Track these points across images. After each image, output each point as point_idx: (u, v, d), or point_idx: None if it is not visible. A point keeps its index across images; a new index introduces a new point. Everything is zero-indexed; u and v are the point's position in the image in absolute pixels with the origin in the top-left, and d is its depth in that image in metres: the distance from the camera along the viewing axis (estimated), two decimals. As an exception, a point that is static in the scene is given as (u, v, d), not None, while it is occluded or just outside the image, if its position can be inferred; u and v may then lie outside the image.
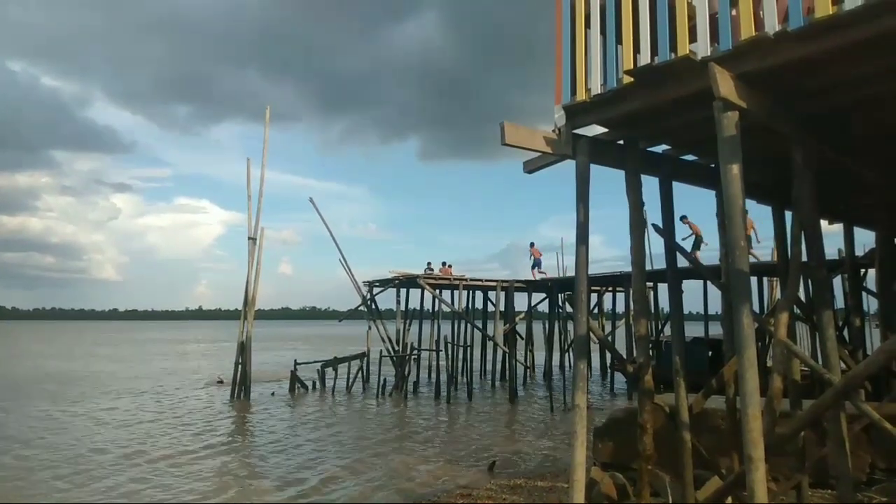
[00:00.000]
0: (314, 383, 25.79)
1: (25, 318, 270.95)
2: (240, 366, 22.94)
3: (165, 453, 13.68)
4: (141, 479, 11.47)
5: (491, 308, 27.44)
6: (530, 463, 12.68)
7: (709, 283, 19.53)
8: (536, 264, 26.71)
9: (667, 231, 6.75)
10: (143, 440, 15.25)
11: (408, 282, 24.70)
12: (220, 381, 27.02)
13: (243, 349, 22.89)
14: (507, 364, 24.72)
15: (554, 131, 5.97)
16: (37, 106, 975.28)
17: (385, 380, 23.75)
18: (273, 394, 24.12)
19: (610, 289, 28.19)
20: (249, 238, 23.44)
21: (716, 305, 21.40)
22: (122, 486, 11.08)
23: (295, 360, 26.00)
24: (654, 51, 5.14)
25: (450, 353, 24.01)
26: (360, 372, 25.51)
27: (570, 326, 28.19)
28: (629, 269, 6.84)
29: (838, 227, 11.11)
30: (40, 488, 11.02)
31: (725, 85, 4.60)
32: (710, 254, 19.36)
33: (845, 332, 11.80)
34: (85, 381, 29.25)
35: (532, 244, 27.25)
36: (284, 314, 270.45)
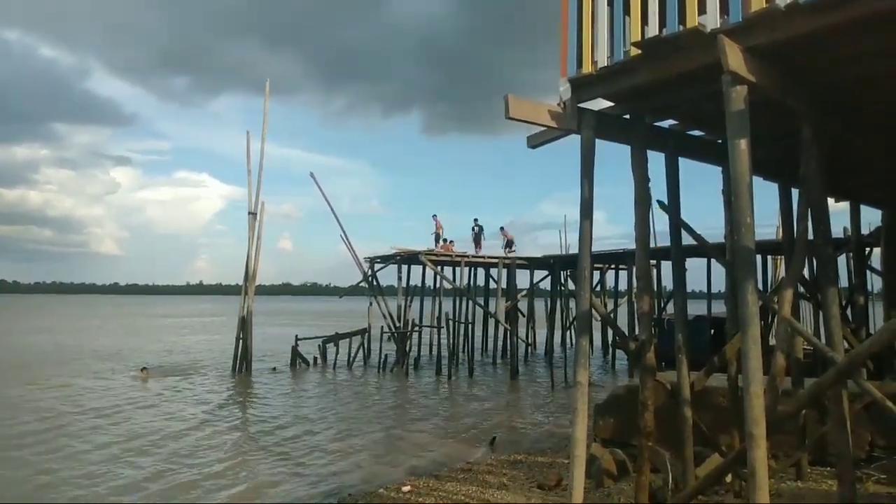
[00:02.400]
0: (315, 359, 25.93)
1: (26, 291, 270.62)
2: (241, 341, 23.04)
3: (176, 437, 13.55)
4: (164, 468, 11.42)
5: (493, 285, 27.48)
6: (531, 439, 12.76)
7: (713, 261, 19.51)
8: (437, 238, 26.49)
9: (672, 208, 6.68)
10: (156, 422, 15.37)
11: (409, 258, 24.69)
12: (144, 369, 23.04)
13: (244, 324, 22.97)
14: (508, 341, 24.81)
15: (559, 105, 5.87)
16: (34, 77, 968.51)
17: (386, 356, 23.84)
18: (274, 369, 24.26)
19: (612, 266, 28.16)
20: (249, 213, 23.37)
21: (719, 284, 21.40)
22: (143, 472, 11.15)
23: (296, 336, 26.09)
24: (662, 22, 5.04)
25: (451, 329, 24.08)
26: (362, 348, 25.62)
27: (572, 304, 28.27)
28: (632, 247, 6.79)
29: (844, 206, 11.03)
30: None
31: (734, 58, 4.50)
32: (714, 231, 19.31)
33: (848, 311, 11.78)
34: (117, 356, 28.97)
35: (434, 216, 27.03)
36: (285, 290, 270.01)
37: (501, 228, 27.95)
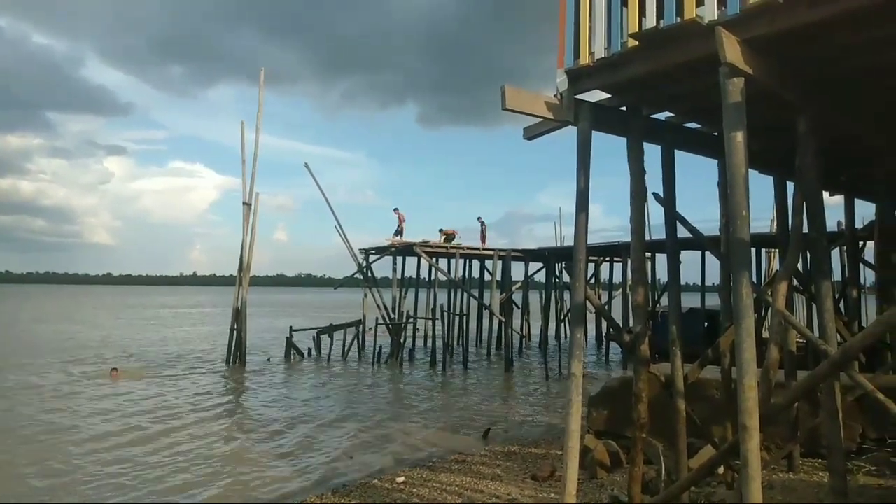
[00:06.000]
0: (309, 350, 25.90)
1: (18, 281, 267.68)
2: (235, 332, 22.98)
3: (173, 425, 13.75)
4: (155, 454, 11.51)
5: (488, 277, 27.50)
6: (525, 430, 12.80)
7: (707, 254, 19.57)
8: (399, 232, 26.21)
9: (668, 200, 6.68)
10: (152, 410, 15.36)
11: (404, 250, 24.66)
12: (115, 370, 20.69)
13: (238, 315, 22.90)
14: (502, 333, 24.82)
15: (556, 96, 5.85)
16: (27, 64, 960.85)
17: (380, 347, 23.83)
18: (269, 360, 24.23)
19: (607, 259, 28.21)
20: (244, 203, 23.26)
21: (713, 276, 21.46)
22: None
23: (290, 327, 26.05)
24: (659, 14, 5.02)
25: (446, 321, 24.03)
26: (356, 339, 25.60)
27: (567, 296, 28.31)
28: (627, 239, 6.80)
29: (839, 200, 11.06)
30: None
31: (732, 50, 4.49)
32: (710, 224, 19.36)
33: (841, 305, 11.84)
34: (128, 347, 28.81)
35: (395, 209, 26.90)
36: (280, 281, 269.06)
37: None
